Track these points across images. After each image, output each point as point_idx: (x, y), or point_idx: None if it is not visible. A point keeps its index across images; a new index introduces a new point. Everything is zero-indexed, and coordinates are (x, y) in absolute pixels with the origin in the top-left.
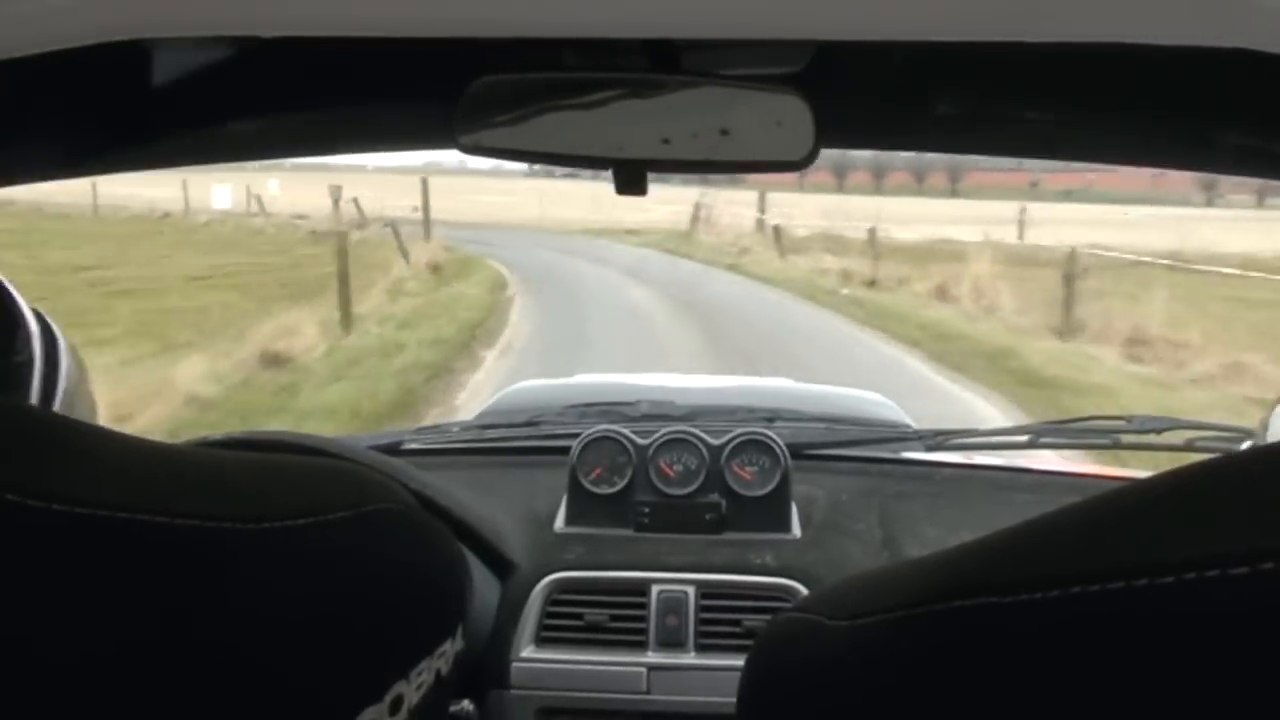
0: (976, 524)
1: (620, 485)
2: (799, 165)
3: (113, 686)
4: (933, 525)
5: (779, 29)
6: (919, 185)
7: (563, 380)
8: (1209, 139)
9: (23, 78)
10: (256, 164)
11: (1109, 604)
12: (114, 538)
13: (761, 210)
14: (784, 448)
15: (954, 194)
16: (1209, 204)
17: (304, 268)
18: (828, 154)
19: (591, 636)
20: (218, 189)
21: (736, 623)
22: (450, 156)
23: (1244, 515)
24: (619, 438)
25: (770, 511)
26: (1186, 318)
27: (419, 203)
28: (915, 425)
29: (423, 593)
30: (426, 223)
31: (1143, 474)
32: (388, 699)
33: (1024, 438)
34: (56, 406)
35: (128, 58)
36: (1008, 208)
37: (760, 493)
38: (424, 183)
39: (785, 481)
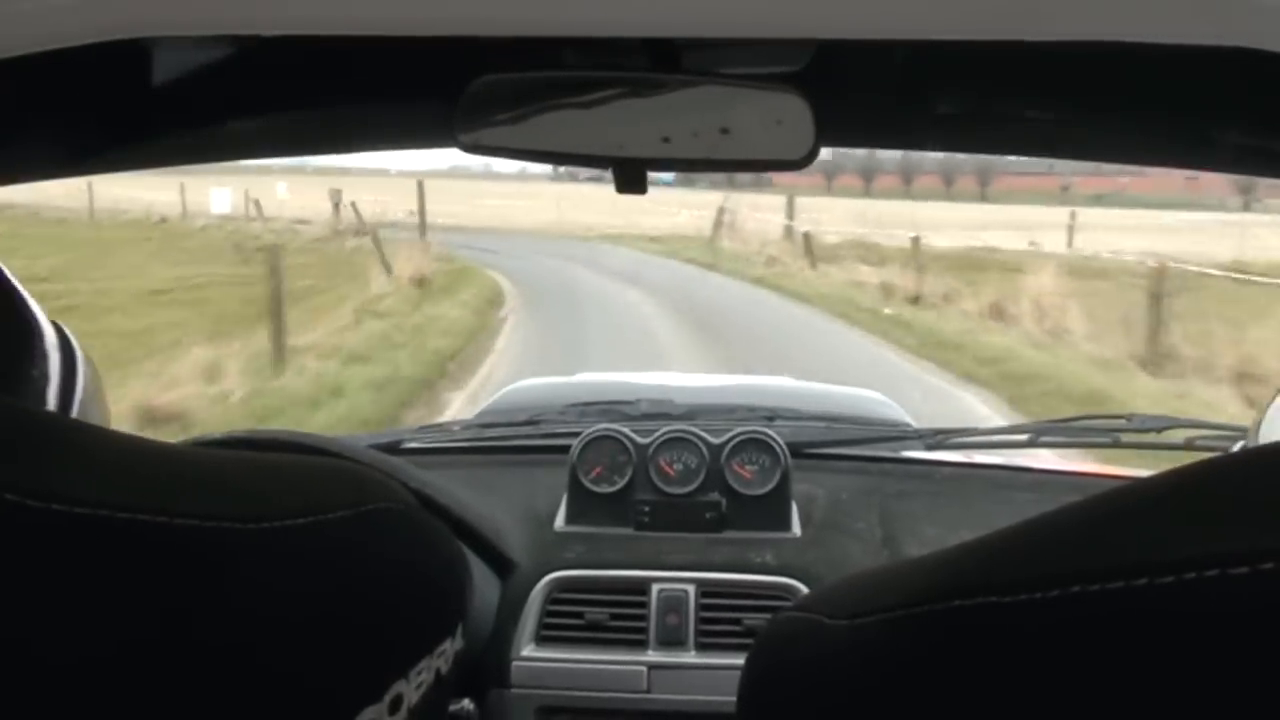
0: (976, 523)
1: (620, 484)
2: (799, 164)
3: (112, 687)
4: (933, 524)
5: (779, 28)
6: (948, 189)
7: (563, 379)
8: (1209, 139)
9: (23, 78)
10: (266, 167)
11: (1109, 603)
12: (113, 538)
13: (790, 216)
14: (784, 446)
15: (983, 198)
16: (1245, 208)
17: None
18: (855, 156)
19: (592, 635)
20: (216, 192)
21: (737, 621)
22: (474, 160)
23: (1244, 514)
24: (619, 436)
25: (770, 510)
26: None
27: (435, 206)
28: (915, 424)
29: (422, 592)
30: (422, 229)
31: (1143, 473)
32: (387, 698)
33: (1024, 437)
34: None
35: (128, 58)
36: (1040, 213)
37: (760, 491)
38: (420, 186)
39: (785, 480)
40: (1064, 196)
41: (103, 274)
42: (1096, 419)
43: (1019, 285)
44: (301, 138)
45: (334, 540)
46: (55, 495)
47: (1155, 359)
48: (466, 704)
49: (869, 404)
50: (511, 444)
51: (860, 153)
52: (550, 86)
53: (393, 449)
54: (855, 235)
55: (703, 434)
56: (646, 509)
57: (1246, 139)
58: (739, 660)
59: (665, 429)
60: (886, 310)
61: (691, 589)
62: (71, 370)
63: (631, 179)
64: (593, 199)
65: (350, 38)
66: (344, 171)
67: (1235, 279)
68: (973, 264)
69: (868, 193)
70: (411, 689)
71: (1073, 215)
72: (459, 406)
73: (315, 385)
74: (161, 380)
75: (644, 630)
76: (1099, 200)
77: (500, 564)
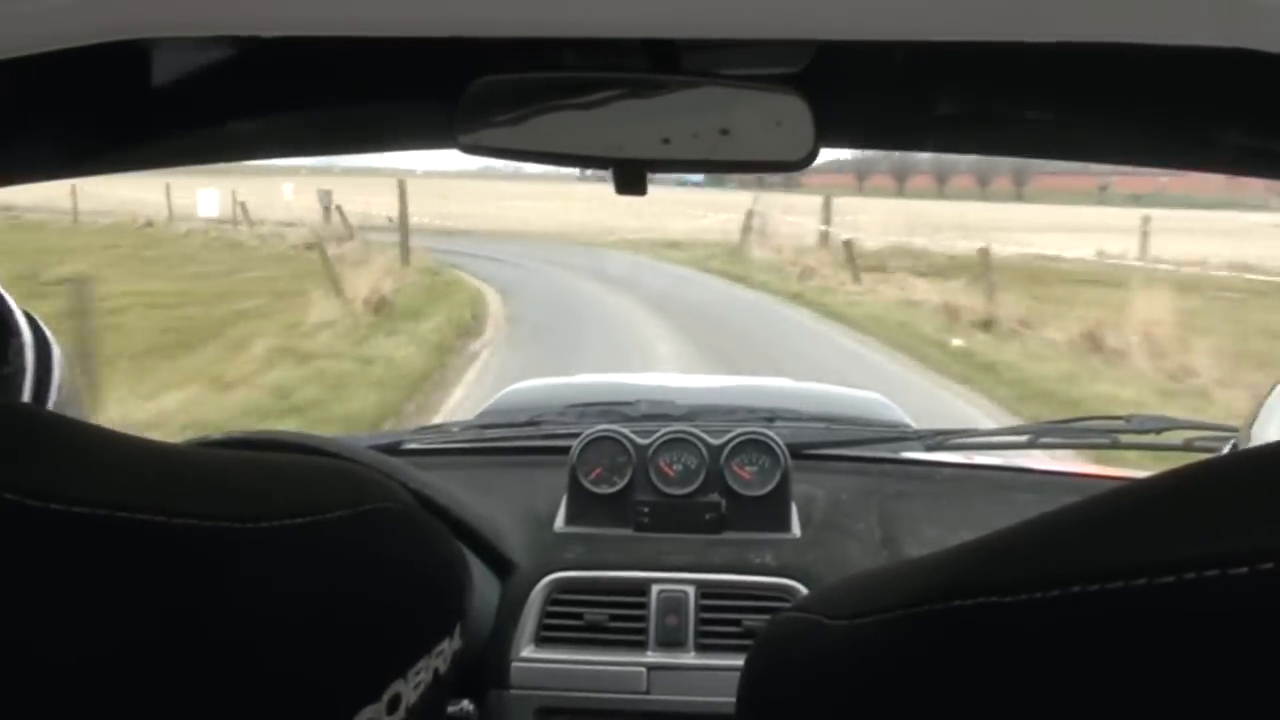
0: (976, 524)
1: (620, 485)
2: (799, 165)
3: (112, 686)
4: (932, 525)
5: (779, 29)
6: (983, 190)
7: (562, 380)
8: (1209, 139)
9: (23, 78)
10: (280, 167)
11: (1108, 604)
12: (112, 537)
13: (825, 220)
14: (784, 447)
15: (1019, 198)
16: None
17: (227, 299)
18: (889, 156)
19: (591, 636)
20: (203, 194)
21: (736, 622)
22: (501, 160)
23: (1243, 515)
24: (619, 437)
25: (770, 511)
26: None
27: (441, 209)
28: (915, 425)
29: (421, 591)
30: (404, 237)
31: (1142, 474)
32: (385, 698)
33: (1023, 438)
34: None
35: (128, 58)
36: (1085, 214)
37: (760, 492)
38: (400, 186)
39: (785, 481)
40: (1102, 196)
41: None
42: (1096, 420)
43: (1110, 306)
44: (301, 138)
45: (333, 540)
46: (55, 495)
47: None
48: (466, 705)
49: (869, 405)
50: (511, 445)
51: (895, 152)
52: (550, 87)
53: (392, 450)
54: (898, 243)
55: (702, 435)
56: (646, 510)
57: (1246, 139)
58: (738, 661)
59: (665, 430)
60: (956, 342)
61: (691, 590)
62: (47, 364)
63: (631, 180)
64: (618, 200)
65: (350, 38)
66: (372, 172)
67: None
68: (1034, 276)
69: (901, 193)
70: (410, 689)
71: (1146, 220)
72: None
73: None
74: None
75: (643, 631)
76: (1138, 200)
77: (500, 565)
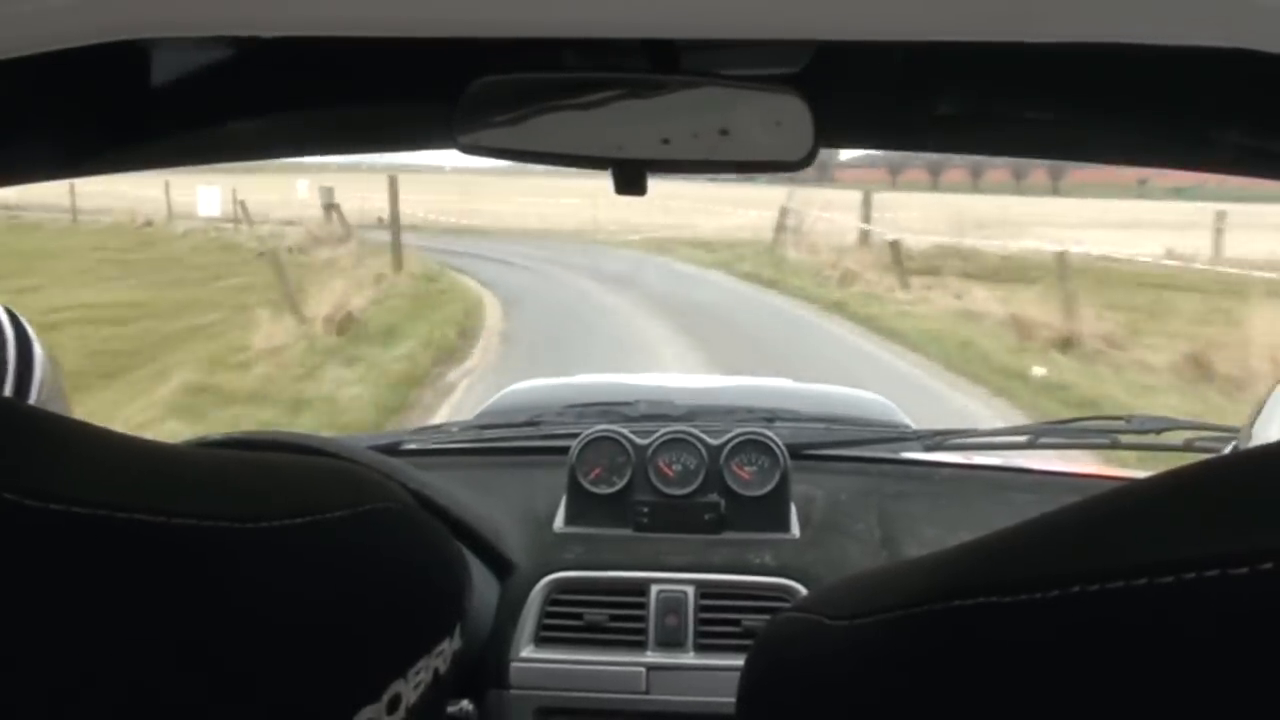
0: (976, 524)
1: (619, 485)
2: (798, 165)
3: (111, 686)
4: (932, 525)
5: (779, 29)
6: (1018, 183)
7: (562, 380)
8: (1209, 139)
9: (23, 78)
10: (291, 163)
11: (1108, 604)
12: (112, 537)
13: (865, 217)
14: (783, 448)
15: (1056, 192)
16: None
17: (190, 311)
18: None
19: (591, 636)
20: (203, 191)
21: (736, 622)
22: None
23: (1244, 515)
24: (618, 438)
25: (769, 511)
26: None
27: (467, 206)
28: (914, 425)
29: (421, 591)
30: (396, 240)
31: (1142, 474)
32: (385, 698)
33: (1023, 438)
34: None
35: (128, 58)
36: (1132, 208)
37: (759, 492)
38: (391, 184)
39: (784, 481)
40: (1142, 190)
41: None
42: (1096, 420)
43: (1202, 317)
44: (301, 138)
45: (332, 540)
46: (54, 495)
47: None
48: (465, 705)
49: (868, 405)
50: (510, 445)
51: None
52: (550, 87)
53: (391, 450)
54: (945, 241)
55: (702, 435)
56: (645, 510)
57: (1246, 139)
58: (738, 661)
59: (664, 430)
60: (1038, 370)
61: (690, 590)
62: (28, 360)
63: (631, 180)
64: (648, 197)
65: (350, 38)
66: (403, 169)
67: None
68: (1102, 280)
69: (935, 187)
70: (410, 689)
71: (1221, 216)
72: None
73: None
74: None
75: (643, 631)
76: (1179, 194)
77: (499, 565)
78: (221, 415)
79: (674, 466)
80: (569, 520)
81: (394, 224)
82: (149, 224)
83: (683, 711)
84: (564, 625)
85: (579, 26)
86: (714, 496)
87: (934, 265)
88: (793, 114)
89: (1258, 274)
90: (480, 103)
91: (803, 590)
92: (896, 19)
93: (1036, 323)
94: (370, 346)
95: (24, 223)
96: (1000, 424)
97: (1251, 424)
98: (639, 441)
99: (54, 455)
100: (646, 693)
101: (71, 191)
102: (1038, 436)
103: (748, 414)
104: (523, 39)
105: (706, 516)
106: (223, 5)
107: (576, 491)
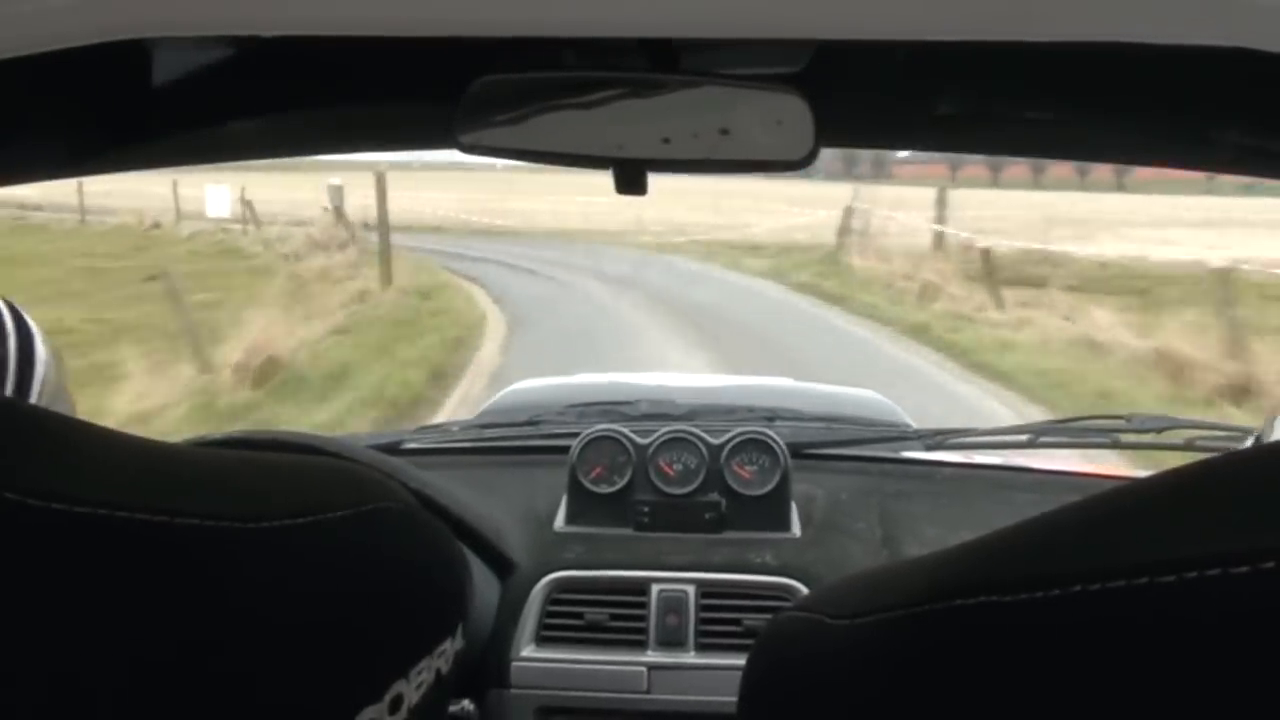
0: (976, 523)
1: (620, 484)
2: (799, 165)
3: (111, 686)
4: (932, 524)
5: (779, 29)
6: (1081, 179)
7: (563, 379)
8: (1209, 139)
9: (23, 78)
10: (325, 162)
11: (1109, 603)
12: (113, 537)
13: (941, 218)
14: (784, 447)
15: (1120, 188)
16: None
17: (124, 339)
18: None
19: (591, 636)
20: (212, 191)
21: (737, 622)
22: None
23: (1245, 514)
24: (619, 437)
25: (770, 510)
26: None
27: (499, 206)
28: (915, 425)
29: (422, 591)
30: (384, 249)
31: (1143, 474)
32: (387, 698)
33: (1024, 437)
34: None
35: (128, 58)
36: (1188, 204)
37: (760, 492)
38: (379, 183)
39: (785, 480)
40: (1210, 185)
41: None
42: (1096, 419)
43: None
44: (301, 138)
45: (334, 540)
46: (55, 495)
47: None
48: (466, 704)
49: (869, 404)
50: (511, 444)
51: None
52: (550, 87)
53: (392, 449)
54: (1032, 246)
55: (702, 434)
56: (646, 509)
57: (1246, 139)
58: (739, 660)
59: (665, 429)
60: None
61: (691, 589)
62: (29, 358)
63: (631, 179)
64: (696, 195)
65: (350, 38)
66: (451, 166)
67: None
68: (1254, 294)
69: (996, 183)
70: (412, 689)
71: None
72: None
73: None
74: None
75: (644, 631)
76: (1249, 190)
77: (500, 564)
78: None
79: (675, 466)
80: (570, 520)
81: (382, 229)
82: (157, 226)
83: (684, 711)
84: (565, 625)
85: (579, 26)
86: (715, 496)
87: (1025, 275)
88: (793, 113)
89: None
90: (481, 102)
91: (803, 589)
92: (896, 19)
93: (1193, 362)
94: (293, 404)
95: (29, 224)
96: None
97: (1273, 420)
98: (640, 441)
99: (56, 455)
100: (647, 692)
101: (79, 191)
102: (1038, 436)
103: (748, 413)
104: (523, 39)
105: (707, 516)
106: (223, 5)
107: (577, 491)
